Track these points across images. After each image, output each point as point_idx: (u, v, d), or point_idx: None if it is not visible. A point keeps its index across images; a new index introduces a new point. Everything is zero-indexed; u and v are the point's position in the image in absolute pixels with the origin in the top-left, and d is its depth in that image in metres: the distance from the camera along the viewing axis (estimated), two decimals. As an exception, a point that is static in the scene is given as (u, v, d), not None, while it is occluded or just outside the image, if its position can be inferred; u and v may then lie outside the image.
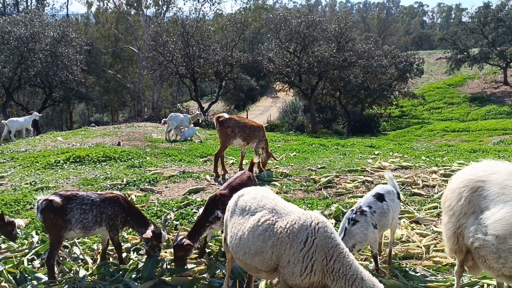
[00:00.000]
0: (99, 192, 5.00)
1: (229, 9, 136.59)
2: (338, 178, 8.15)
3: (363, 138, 18.51)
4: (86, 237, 5.22)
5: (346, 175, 8.44)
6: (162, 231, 4.52)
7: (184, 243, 4.32)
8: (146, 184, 8.03)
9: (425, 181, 7.78)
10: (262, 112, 42.59)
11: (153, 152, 11.93)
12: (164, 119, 16.94)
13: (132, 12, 43.07)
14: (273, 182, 8.07)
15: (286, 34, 27.78)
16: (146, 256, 4.59)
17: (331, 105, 32.89)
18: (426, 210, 6.37)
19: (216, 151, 9.04)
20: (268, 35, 31.10)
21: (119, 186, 7.90)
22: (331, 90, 30.13)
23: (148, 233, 4.44)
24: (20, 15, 28.42)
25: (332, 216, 6.02)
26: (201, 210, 5.04)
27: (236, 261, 3.76)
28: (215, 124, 8.69)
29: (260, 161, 8.93)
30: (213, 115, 34.67)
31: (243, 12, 45.38)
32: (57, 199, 4.29)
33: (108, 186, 7.93)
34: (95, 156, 10.69)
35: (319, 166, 9.37)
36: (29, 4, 39.48)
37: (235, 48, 30.26)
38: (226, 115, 8.67)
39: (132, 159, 10.59)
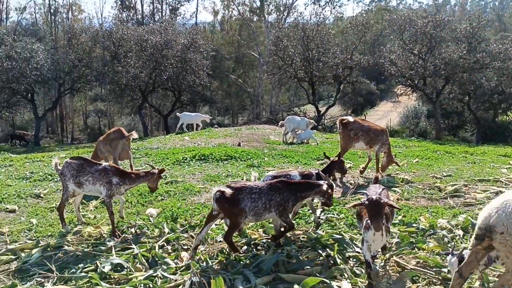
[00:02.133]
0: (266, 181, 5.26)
1: (350, 12, 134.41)
2: (467, 188, 7.56)
3: (496, 146, 16.83)
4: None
5: (476, 185, 7.78)
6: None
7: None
8: (265, 183, 8.26)
9: None
10: (381, 117, 41.14)
11: (271, 153, 12.23)
12: (281, 122, 17.29)
13: (255, 19, 44.65)
14: (393, 188, 7.75)
15: (411, 35, 26.46)
16: (265, 252, 4.73)
17: (458, 110, 30.52)
18: None
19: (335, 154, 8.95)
20: (391, 36, 29.89)
21: (239, 184, 8.24)
22: (459, 94, 27.95)
23: (324, 186, 4.93)
24: (156, 24, 31.11)
25: (459, 227, 5.60)
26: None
27: None
28: (338, 127, 8.62)
29: (380, 165, 8.67)
30: (329, 119, 34.46)
31: (364, 15, 44.35)
32: (228, 191, 4.71)
33: (229, 183, 8.31)
34: (217, 155, 11.30)
35: (445, 174, 8.78)
36: (163, 14, 43.18)
37: (355, 51, 29.67)
38: (350, 118, 8.56)
39: (251, 159, 10.97)
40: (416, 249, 4.99)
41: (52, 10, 43.58)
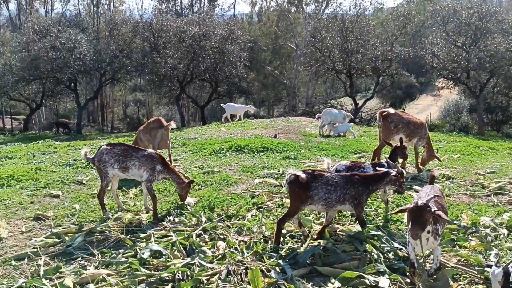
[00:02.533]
0: (341, 174, 5.29)
1: (391, 2, 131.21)
2: (512, 185, 7.28)
3: (543, 143, 16.12)
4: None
5: (522, 183, 7.47)
6: None
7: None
8: (301, 176, 8.22)
9: None
10: (421, 111, 40.10)
11: (307, 146, 12.16)
12: (318, 114, 17.15)
13: (293, 10, 44.24)
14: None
15: (455, 26, 25.54)
16: (301, 245, 4.72)
17: (502, 105, 29.36)
18: None
19: (375, 147, 8.81)
20: (433, 28, 28.94)
21: (275, 175, 8.25)
22: (504, 89, 26.84)
23: (393, 173, 4.98)
24: (194, 16, 31.37)
25: (504, 225, 5.41)
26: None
27: None
28: (378, 119, 8.46)
29: (420, 160, 8.49)
30: (367, 112, 33.87)
31: (405, 5, 43.14)
32: (303, 175, 4.76)
33: (266, 174, 8.34)
34: (254, 146, 11.33)
35: (488, 171, 8.49)
36: (202, 5, 43.41)
37: (395, 43, 28.97)
38: (391, 110, 8.39)
39: (288, 151, 10.94)
40: (457, 247, 4.85)
41: (94, 2, 44.62)
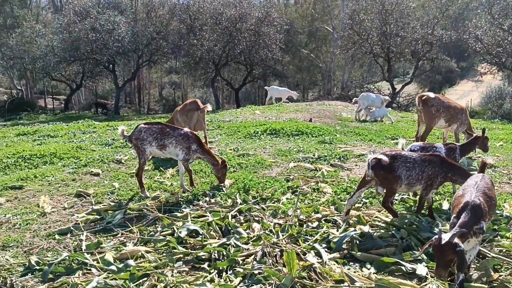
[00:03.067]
0: (420, 152, 5.32)
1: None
2: (558, 175, 6.98)
3: None
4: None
5: None
6: None
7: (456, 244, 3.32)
8: (336, 160, 8.16)
9: None
10: (461, 96, 38.80)
11: (343, 130, 12.02)
12: (355, 98, 16.87)
13: (330, -9, 43.38)
14: (474, 172, 7.32)
15: (501, 9, 24.42)
16: (338, 228, 4.70)
17: (549, 92, 28.00)
18: None
19: (416, 134, 8.62)
20: (478, 10, 27.84)
21: (310, 160, 8.21)
22: (552, 74, 25.64)
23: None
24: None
25: (549, 217, 5.21)
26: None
27: None
28: (417, 104, 8.26)
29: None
30: (405, 97, 33.06)
31: (448, -13, 41.52)
32: (385, 158, 4.79)
33: (301, 158, 8.31)
34: (288, 129, 11.29)
35: (533, 160, 8.17)
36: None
37: (436, 26, 27.99)
38: (431, 94, 8.17)
39: (323, 135, 10.85)
40: (499, 237, 4.71)
41: (133, -16, 45.07)
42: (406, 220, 4.95)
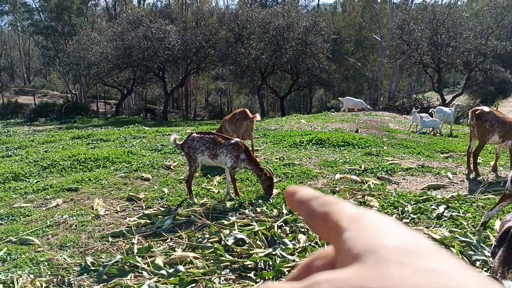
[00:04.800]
0: None
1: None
2: None
3: None
4: None
5: None
6: None
7: None
8: (383, 173, 8.05)
9: None
10: (516, 109, 37.19)
11: (390, 142, 11.82)
12: (414, 110, 16.35)
13: (379, 0, 42.87)
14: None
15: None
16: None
17: None
18: None
19: (468, 149, 8.38)
20: (536, 20, 26.73)
21: (357, 172, 8.14)
22: None
23: None
24: (279, 7, 31.49)
25: None
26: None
27: None
28: (470, 118, 8.03)
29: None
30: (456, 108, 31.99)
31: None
32: None
33: (347, 170, 8.26)
34: (334, 140, 11.23)
35: None
36: (286, -4, 43.44)
37: (491, 36, 27.04)
38: (486, 108, 7.93)
39: (370, 147, 10.72)
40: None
41: (183, -7, 46.35)
42: (456, 239, 4.84)
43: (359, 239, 0.36)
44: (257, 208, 6.17)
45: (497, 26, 27.33)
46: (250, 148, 9.27)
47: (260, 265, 4.42)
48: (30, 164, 9.50)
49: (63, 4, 36.55)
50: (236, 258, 4.57)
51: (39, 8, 42.71)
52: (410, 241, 0.36)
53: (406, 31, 27.58)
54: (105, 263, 4.43)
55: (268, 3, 41.41)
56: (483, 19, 28.93)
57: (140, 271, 4.36)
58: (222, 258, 4.55)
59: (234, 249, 4.77)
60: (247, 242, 4.91)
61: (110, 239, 5.31)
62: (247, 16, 29.08)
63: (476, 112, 7.88)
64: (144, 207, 6.42)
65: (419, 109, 16.88)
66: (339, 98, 24.93)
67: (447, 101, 28.60)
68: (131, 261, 4.49)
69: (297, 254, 4.67)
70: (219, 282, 4.12)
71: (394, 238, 0.36)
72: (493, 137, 7.80)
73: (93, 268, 4.46)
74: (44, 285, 4.16)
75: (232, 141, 6.53)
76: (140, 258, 4.59)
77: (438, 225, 5.50)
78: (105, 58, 29.28)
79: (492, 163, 8.64)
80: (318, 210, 0.42)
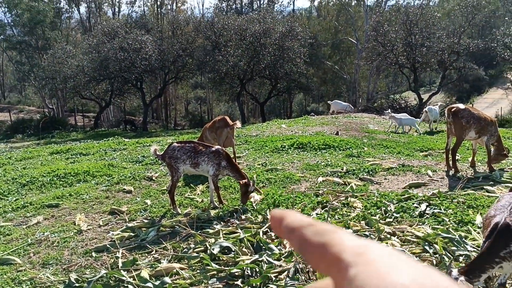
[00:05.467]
0: None
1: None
2: None
3: None
4: None
5: None
6: None
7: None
8: (365, 174, 8.13)
9: None
10: (490, 105, 38.11)
11: (371, 143, 11.95)
12: (389, 113, 16.59)
13: (353, 3, 43.48)
14: (507, 184, 7.20)
15: (529, 15, 24.02)
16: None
17: None
18: None
19: (446, 147, 8.54)
20: (506, 18, 27.40)
21: (339, 174, 8.20)
22: None
23: None
24: (255, 13, 31.65)
25: None
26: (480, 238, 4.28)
27: None
28: (447, 115, 8.18)
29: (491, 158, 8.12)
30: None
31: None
32: None
33: (329, 172, 8.32)
34: (316, 143, 11.30)
35: None
36: (261, 2, 43.71)
37: (463, 35, 27.66)
38: (461, 106, 8.09)
39: (350, 149, 10.82)
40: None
41: (158, 3, 46.23)
42: (439, 235, 4.91)
43: (369, 277, 0.34)
44: (242, 215, 6.16)
45: (468, 24, 27.97)
46: (232, 156, 9.28)
47: (247, 272, 4.40)
48: (8, 182, 9.30)
49: (36, 18, 36.02)
50: (223, 267, 4.55)
51: (12, 23, 42.00)
52: (424, 279, 0.33)
53: (381, 33, 28.01)
54: (89, 279, 4.37)
55: (243, 10, 41.60)
56: (455, 18, 29.59)
57: (126, 285, 4.30)
58: (209, 267, 4.52)
59: (220, 258, 4.75)
60: (233, 250, 4.90)
61: (93, 254, 5.23)
62: (223, 23, 29.14)
63: (452, 110, 8.03)
64: (127, 220, 6.34)
65: (391, 110, 17.37)
66: (328, 101, 25.53)
67: (424, 100, 29.09)
68: (116, 276, 4.43)
69: (283, 259, 4.68)
70: (207, 291, 4.10)
71: (407, 276, 0.33)
72: (469, 133, 7.97)
73: (77, 284, 4.38)
74: (27, 305, 4.07)
75: (213, 149, 6.50)
76: (125, 272, 4.53)
77: (420, 223, 5.57)
78: (82, 71, 28.96)
79: (470, 159, 8.82)
80: (313, 240, 0.39)
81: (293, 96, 42.36)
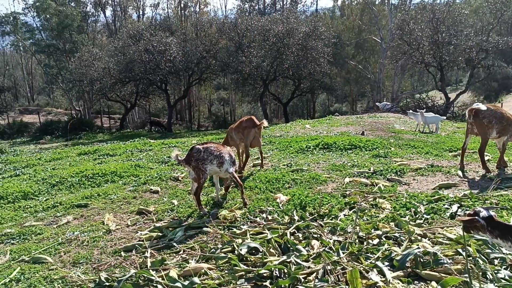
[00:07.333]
0: None
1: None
2: None
3: None
4: None
5: None
6: None
7: None
8: (393, 175, 7.99)
9: None
10: (521, 104, 37.00)
11: (397, 143, 11.75)
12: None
13: (377, 2, 42.98)
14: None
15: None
16: (399, 246, 4.60)
17: None
18: None
19: (463, 146, 8.35)
20: (537, 14, 26.64)
21: (366, 174, 8.09)
22: None
23: None
24: (278, 14, 31.61)
25: None
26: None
27: None
28: (467, 116, 8.00)
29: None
30: (460, 106, 31.92)
31: (503, -10, 39.98)
32: None
33: (356, 173, 8.21)
34: (341, 144, 11.18)
35: None
36: (284, 3, 43.62)
37: (492, 32, 26.98)
38: (482, 106, 7.88)
39: (377, 149, 10.66)
40: None
41: (182, 5, 46.65)
42: (472, 237, 4.77)
43: None
44: (268, 216, 6.13)
45: (497, 21, 27.30)
46: (259, 155, 9.27)
47: (275, 273, 4.36)
48: (38, 182, 9.51)
49: (64, 22, 36.84)
50: (251, 267, 4.52)
51: (40, 28, 43.08)
52: None
53: (406, 31, 27.58)
54: (119, 278, 4.40)
55: (266, 10, 41.59)
56: (483, 15, 28.92)
57: (155, 284, 4.32)
58: (237, 268, 4.50)
59: (248, 258, 4.73)
60: (261, 250, 4.86)
61: (122, 253, 5.27)
62: (246, 24, 29.19)
63: (473, 111, 7.87)
64: (154, 220, 6.39)
65: (412, 110, 17.38)
66: (376, 103, 25.73)
67: (451, 99, 28.50)
68: (145, 275, 4.45)
69: (312, 260, 4.62)
70: (235, 292, 4.08)
71: None
72: (492, 133, 7.78)
73: (107, 284, 4.42)
74: (59, 303, 4.13)
75: (228, 148, 6.86)
76: (154, 272, 4.55)
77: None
78: (108, 73, 29.45)
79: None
80: None
81: (316, 96, 42.14)
